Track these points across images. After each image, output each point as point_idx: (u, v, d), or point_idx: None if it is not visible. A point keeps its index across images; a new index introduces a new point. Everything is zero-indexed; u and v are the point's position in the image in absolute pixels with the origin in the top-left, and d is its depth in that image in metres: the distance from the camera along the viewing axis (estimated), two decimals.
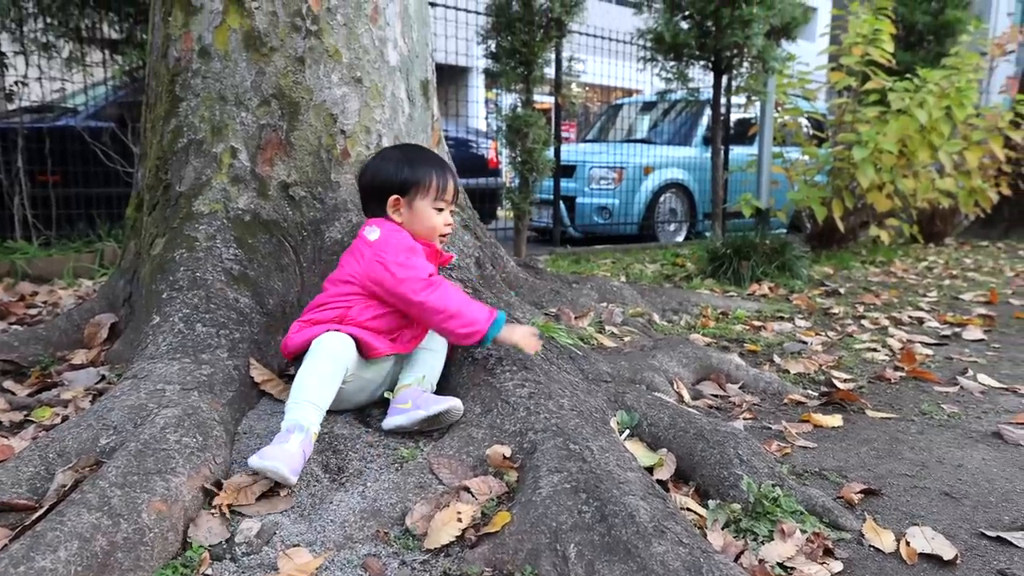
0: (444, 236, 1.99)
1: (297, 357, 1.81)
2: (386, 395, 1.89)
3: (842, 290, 4.69)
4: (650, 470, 1.80)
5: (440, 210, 1.96)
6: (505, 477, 1.65)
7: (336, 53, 2.31)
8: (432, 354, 1.98)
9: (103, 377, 2.15)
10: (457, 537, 1.45)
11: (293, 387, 1.69)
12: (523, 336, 1.91)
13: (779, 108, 6.81)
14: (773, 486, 1.66)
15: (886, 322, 3.79)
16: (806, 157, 6.49)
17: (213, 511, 1.49)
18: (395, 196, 1.91)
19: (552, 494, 1.48)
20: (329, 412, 1.74)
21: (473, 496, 1.57)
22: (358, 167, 2.36)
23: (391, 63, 2.44)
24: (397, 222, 1.93)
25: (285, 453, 1.56)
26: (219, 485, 1.56)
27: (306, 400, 1.67)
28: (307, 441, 1.63)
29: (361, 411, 1.96)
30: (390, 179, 1.92)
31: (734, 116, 8.53)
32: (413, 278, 1.80)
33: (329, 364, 1.72)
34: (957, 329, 3.65)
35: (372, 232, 1.90)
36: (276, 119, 2.28)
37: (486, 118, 10.13)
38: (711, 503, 1.65)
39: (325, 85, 2.30)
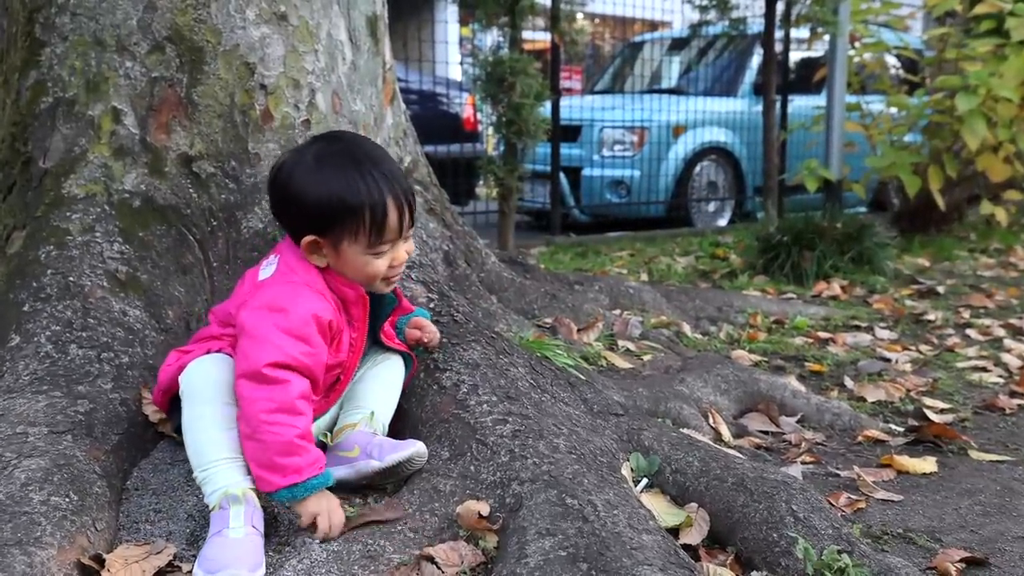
0: (391, 278, 1.92)
1: (175, 403, 1.81)
2: (322, 438, 1.93)
3: (941, 289, 4.75)
4: (675, 532, 1.84)
5: (381, 253, 1.85)
6: (481, 542, 1.69)
7: None
8: (383, 385, 2.02)
9: None
10: None
11: (189, 450, 1.72)
12: (323, 515, 1.70)
13: (855, 43, 6.87)
14: (839, 553, 1.71)
15: (1001, 332, 3.85)
16: (893, 109, 6.55)
17: None
18: (311, 238, 1.81)
19: (543, 564, 1.52)
20: None
21: (439, 568, 1.61)
22: (284, 134, 2.39)
23: None
24: (319, 266, 1.85)
25: (237, 549, 1.59)
26: (100, 560, 1.59)
27: (217, 459, 1.69)
28: (252, 511, 1.66)
29: None
30: (303, 204, 1.80)
31: (794, 56, 8.59)
32: (249, 355, 1.70)
33: (216, 399, 1.72)
34: None
35: (268, 267, 1.85)
36: (173, 70, 2.31)
37: (460, 63, 10.16)
38: (755, 575, 1.70)
39: (238, 24, 2.34)
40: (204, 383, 1.74)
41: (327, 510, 1.69)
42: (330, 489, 1.86)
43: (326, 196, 1.78)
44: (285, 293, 1.77)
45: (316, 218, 1.79)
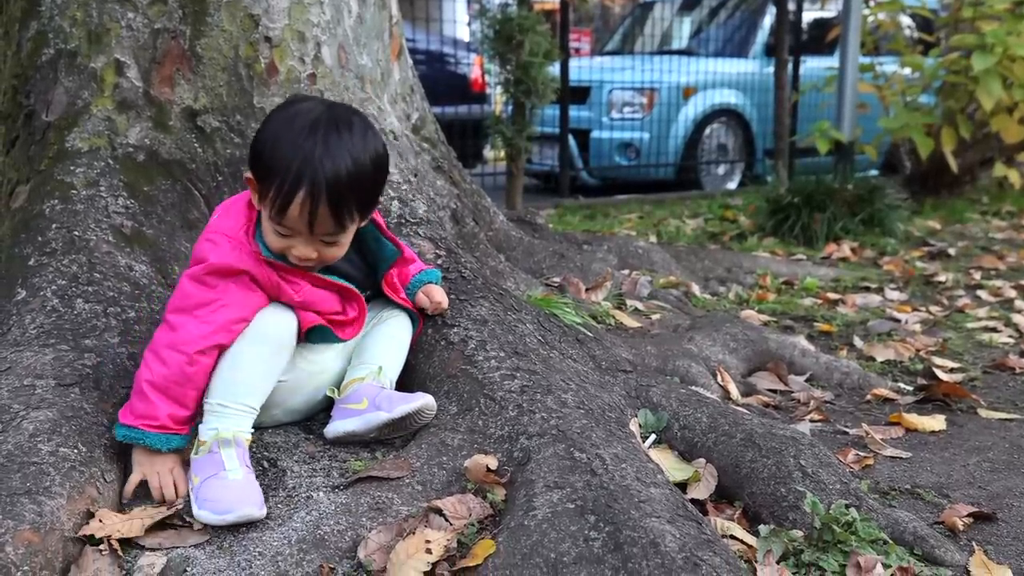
0: (301, 262, 1.79)
1: None
2: (329, 393, 1.94)
3: (952, 251, 4.75)
4: (682, 486, 1.86)
5: (284, 236, 1.75)
6: (489, 495, 1.71)
7: None
8: (391, 340, 2.02)
9: None
10: (426, 573, 1.51)
11: (216, 379, 1.73)
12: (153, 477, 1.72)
13: (870, 2, 6.80)
14: (847, 507, 1.72)
15: (1012, 293, 3.85)
16: (907, 70, 6.50)
17: (102, 545, 1.54)
18: (248, 173, 1.79)
19: (551, 516, 1.54)
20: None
21: (447, 520, 1.63)
22: (290, 88, 2.38)
23: None
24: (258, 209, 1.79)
25: (240, 490, 1.62)
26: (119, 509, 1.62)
27: (236, 404, 1.72)
28: (242, 452, 1.69)
29: None
30: (255, 140, 1.78)
31: (807, 15, 8.52)
32: (176, 300, 1.75)
33: (269, 350, 1.76)
34: None
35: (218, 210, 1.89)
36: (176, 21, 2.30)
37: (468, 23, 10.10)
38: (763, 529, 1.71)
39: None
40: (264, 327, 1.76)
41: (158, 473, 1.70)
42: (339, 442, 1.88)
43: (262, 142, 1.74)
44: (210, 244, 1.77)
45: (251, 158, 1.77)
